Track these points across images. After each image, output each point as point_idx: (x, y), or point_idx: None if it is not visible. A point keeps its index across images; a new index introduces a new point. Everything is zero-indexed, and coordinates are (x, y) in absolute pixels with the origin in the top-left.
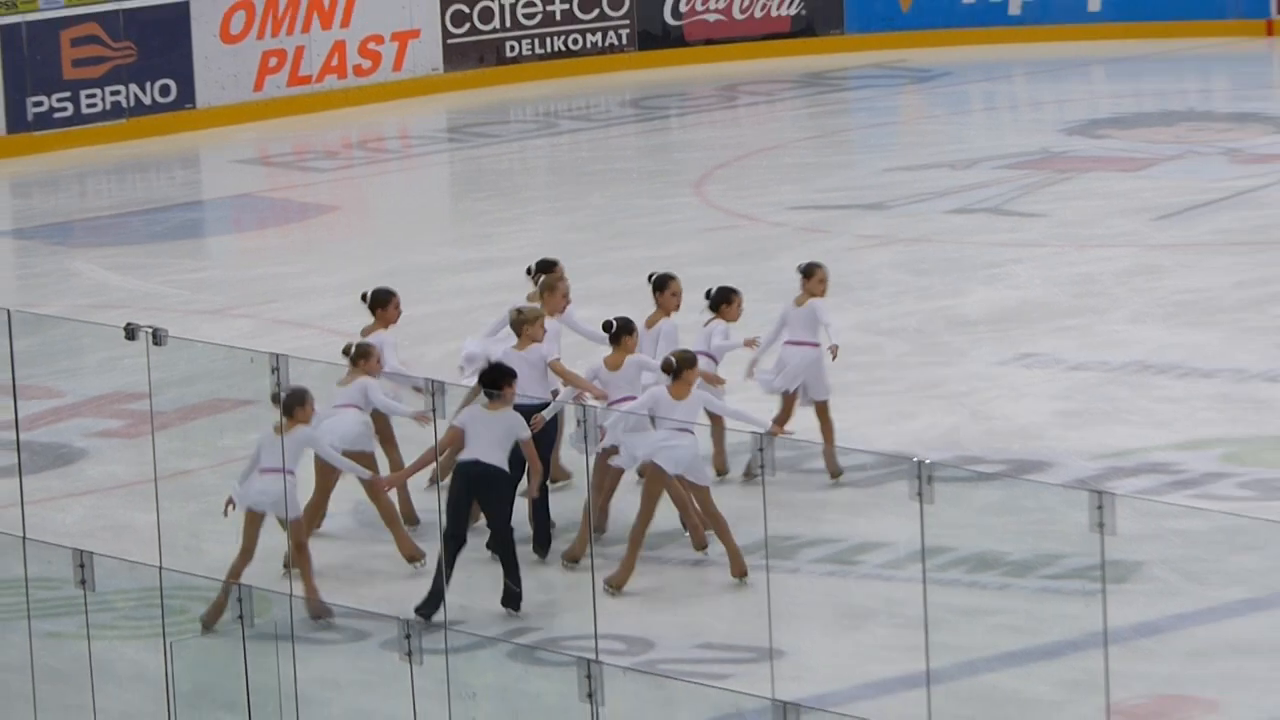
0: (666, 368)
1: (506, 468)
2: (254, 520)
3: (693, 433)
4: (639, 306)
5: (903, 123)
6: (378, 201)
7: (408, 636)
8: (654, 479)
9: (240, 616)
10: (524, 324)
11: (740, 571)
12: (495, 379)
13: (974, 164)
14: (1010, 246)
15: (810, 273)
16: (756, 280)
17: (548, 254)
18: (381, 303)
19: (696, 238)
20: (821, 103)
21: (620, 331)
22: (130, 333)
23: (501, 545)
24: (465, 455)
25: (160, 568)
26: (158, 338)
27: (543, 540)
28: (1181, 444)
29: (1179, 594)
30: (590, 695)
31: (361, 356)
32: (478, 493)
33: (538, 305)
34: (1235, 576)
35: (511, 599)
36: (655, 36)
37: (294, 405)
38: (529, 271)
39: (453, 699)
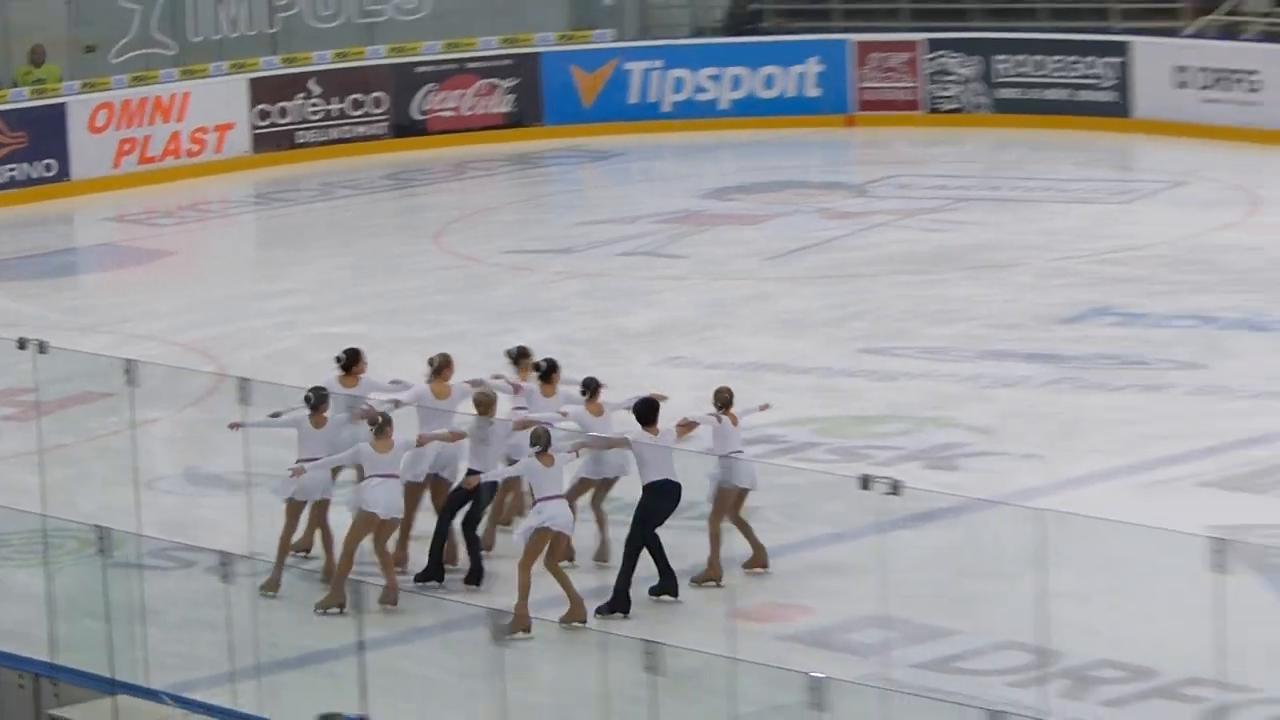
0: (723, 404)
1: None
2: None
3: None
4: (389, 324)
5: (585, 190)
6: (203, 248)
7: (223, 564)
8: (728, 495)
9: (101, 551)
10: (490, 405)
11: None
12: (651, 412)
13: (636, 220)
14: (662, 279)
15: (527, 353)
16: (478, 304)
17: (328, 286)
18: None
19: (434, 274)
20: (526, 176)
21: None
22: (22, 344)
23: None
24: (653, 477)
25: (44, 515)
26: (43, 348)
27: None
28: (785, 421)
29: (784, 530)
30: (355, 607)
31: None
32: (672, 506)
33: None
34: (824, 518)
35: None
36: (405, 127)
37: (385, 425)
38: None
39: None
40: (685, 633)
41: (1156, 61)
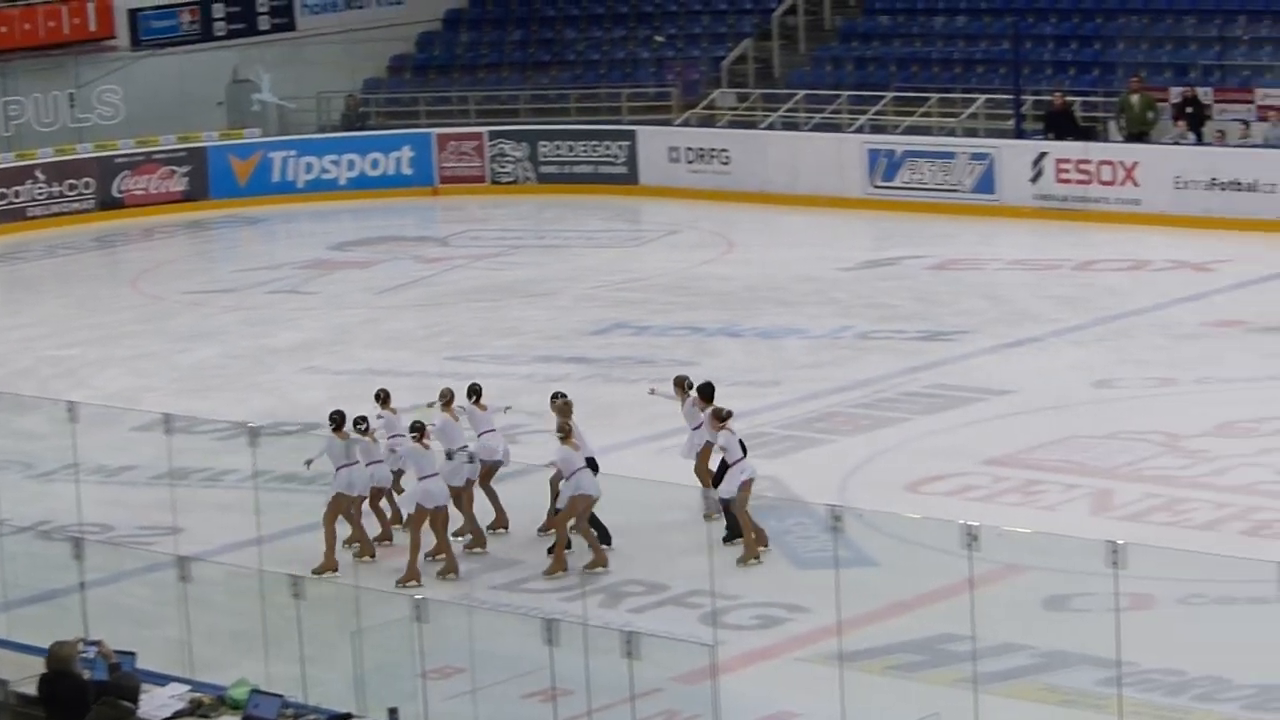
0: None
1: None
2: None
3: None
4: (100, 347)
5: (242, 246)
6: None
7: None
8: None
9: None
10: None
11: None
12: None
13: (280, 266)
14: (300, 310)
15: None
16: (164, 330)
17: (54, 319)
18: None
19: (132, 309)
20: (199, 237)
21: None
22: None
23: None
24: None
25: None
26: None
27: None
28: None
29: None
30: (77, 557)
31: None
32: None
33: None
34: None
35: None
36: (108, 202)
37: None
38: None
39: None
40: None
41: (655, 143)
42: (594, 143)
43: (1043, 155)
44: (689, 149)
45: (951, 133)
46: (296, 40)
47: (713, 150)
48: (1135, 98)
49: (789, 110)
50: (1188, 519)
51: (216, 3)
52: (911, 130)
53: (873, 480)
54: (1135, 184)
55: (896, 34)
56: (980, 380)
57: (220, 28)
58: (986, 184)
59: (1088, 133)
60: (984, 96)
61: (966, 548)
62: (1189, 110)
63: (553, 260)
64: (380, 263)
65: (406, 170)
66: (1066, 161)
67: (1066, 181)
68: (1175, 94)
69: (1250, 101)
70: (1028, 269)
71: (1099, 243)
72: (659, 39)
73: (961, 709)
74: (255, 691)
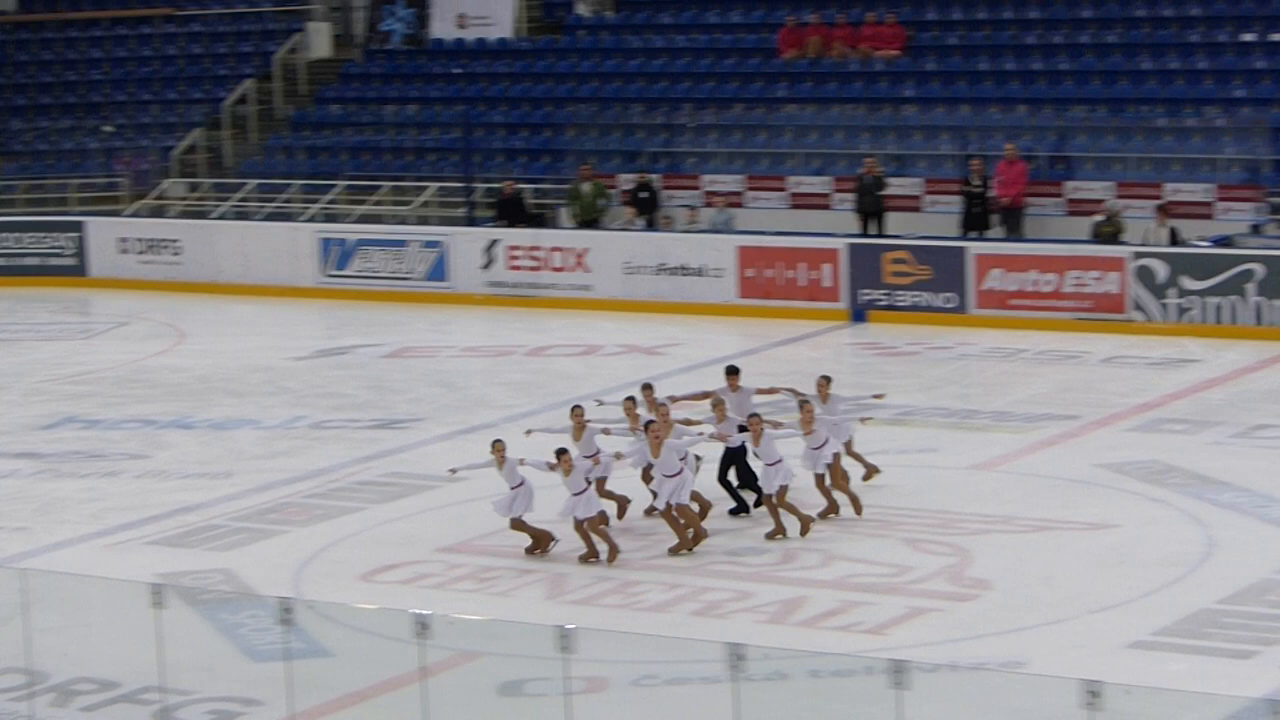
0: None
1: None
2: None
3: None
4: None
5: None
6: None
7: None
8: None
9: None
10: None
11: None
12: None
13: None
14: None
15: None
16: None
17: None
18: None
19: None
20: None
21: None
22: None
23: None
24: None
25: None
26: None
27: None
28: None
29: None
30: None
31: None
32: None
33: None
34: None
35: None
36: None
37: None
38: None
39: None
40: None
41: (105, 234)
42: (42, 234)
43: (494, 242)
44: (139, 239)
45: (404, 221)
46: None
47: (164, 241)
48: (586, 185)
49: (241, 200)
50: (640, 601)
51: None
52: (364, 219)
53: (327, 571)
54: (586, 270)
55: (348, 123)
56: (434, 468)
57: None
58: (439, 271)
59: (538, 219)
60: (436, 184)
61: (417, 636)
62: (643, 195)
63: (0, 354)
64: None
65: None
66: (518, 248)
67: (518, 268)
68: (627, 180)
69: (697, 188)
70: (481, 355)
71: (551, 328)
72: (107, 129)
73: None
74: None
